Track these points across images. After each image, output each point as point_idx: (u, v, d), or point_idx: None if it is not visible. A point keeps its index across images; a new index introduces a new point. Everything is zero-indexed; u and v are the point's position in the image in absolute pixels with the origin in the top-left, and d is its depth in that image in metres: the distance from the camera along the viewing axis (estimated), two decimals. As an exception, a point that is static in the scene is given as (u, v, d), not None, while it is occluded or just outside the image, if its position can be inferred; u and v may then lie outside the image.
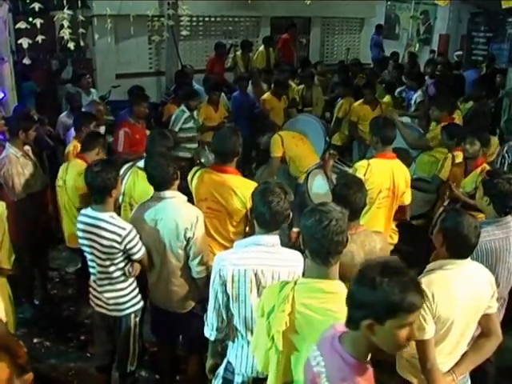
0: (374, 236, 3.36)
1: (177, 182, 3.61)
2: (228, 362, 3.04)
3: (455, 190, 4.76)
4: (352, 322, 1.95)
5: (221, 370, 3.07)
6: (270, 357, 2.40)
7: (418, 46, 14.82)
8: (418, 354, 2.83)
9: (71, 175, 4.51)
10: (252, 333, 2.76)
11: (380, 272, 1.87)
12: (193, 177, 4.02)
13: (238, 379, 2.97)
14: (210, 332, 2.99)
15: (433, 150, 5.87)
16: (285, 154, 5.78)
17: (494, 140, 6.20)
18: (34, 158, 4.97)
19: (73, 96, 6.86)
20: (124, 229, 3.45)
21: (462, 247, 2.87)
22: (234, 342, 2.99)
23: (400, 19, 15.75)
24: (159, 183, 3.55)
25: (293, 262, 2.81)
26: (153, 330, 4.03)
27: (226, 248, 3.42)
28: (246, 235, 3.62)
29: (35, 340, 4.79)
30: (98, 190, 3.49)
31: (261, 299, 2.49)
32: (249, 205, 3.59)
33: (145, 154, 5.56)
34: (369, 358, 2.00)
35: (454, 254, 2.87)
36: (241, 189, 3.75)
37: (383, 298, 1.83)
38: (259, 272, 2.77)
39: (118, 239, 3.42)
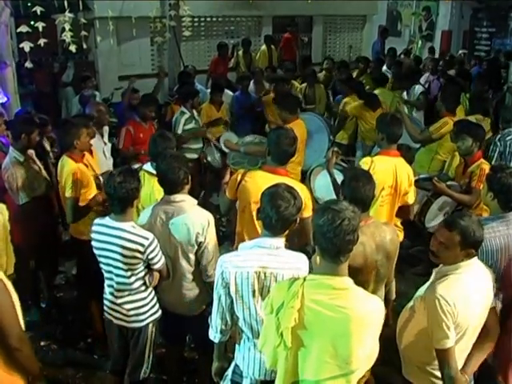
0: (383, 227, 3.34)
1: (187, 186, 3.56)
2: (236, 364, 3.03)
3: (438, 185, 4.68)
4: None
5: (229, 373, 3.06)
6: (279, 353, 2.39)
7: (420, 42, 14.78)
8: (439, 363, 2.81)
9: None
10: (257, 335, 2.75)
11: None
12: (241, 179, 3.83)
13: (245, 382, 2.96)
14: (214, 334, 2.98)
15: (436, 147, 5.85)
16: None
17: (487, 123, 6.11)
18: (37, 161, 4.97)
19: (88, 99, 6.82)
20: (147, 238, 3.36)
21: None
22: (240, 344, 2.98)
23: (402, 16, 15.70)
24: (170, 186, 3.50)
25: (297, 264, 2.79)
26: (162, 332, 4.00)
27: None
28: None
29: (42, 343, 4.80)
30: (120, 201, 3.38)
31: (269, 296, 2.48)
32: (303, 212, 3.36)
33: (142, 152, 5.61)
34: None
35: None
36: None
37: None
38: (262, 274, 2.75)
39: (141, 249, 3.34)
